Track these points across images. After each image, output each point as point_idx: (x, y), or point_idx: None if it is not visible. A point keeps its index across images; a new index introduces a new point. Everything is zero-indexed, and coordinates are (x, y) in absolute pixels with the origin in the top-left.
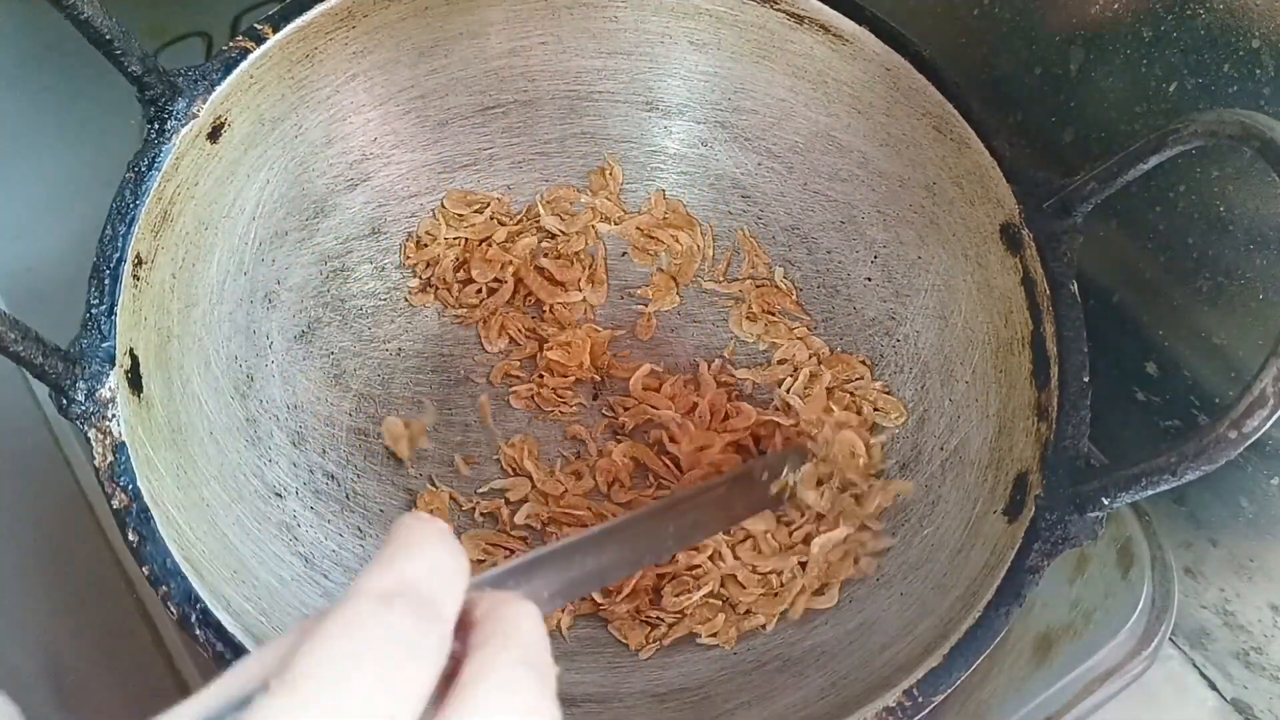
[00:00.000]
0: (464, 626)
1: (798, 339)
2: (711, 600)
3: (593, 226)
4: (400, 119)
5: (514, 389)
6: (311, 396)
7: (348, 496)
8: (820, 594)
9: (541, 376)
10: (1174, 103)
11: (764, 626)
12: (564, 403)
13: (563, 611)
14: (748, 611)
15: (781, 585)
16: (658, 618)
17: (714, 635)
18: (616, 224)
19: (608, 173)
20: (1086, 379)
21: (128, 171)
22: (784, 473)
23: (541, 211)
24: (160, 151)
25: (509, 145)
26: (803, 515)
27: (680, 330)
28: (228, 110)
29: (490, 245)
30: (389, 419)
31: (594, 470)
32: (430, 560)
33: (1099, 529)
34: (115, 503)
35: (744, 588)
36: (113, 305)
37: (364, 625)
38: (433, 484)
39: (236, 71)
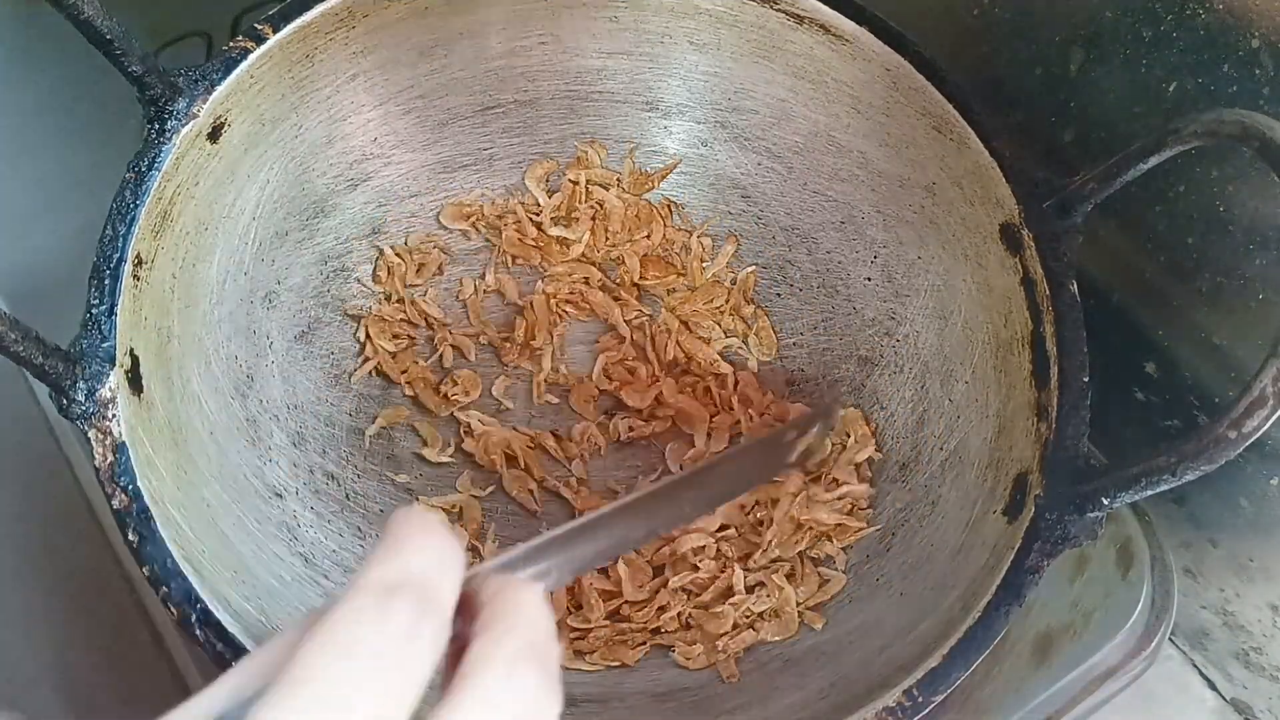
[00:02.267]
0: (468, 611)
1: None
2: (686, 625)
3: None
4: (400, 119)
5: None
6: (311, 396)
7: (348, 496)
8: (824, 586)
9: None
10: (1174, 103)
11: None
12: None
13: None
14: (751, 627)
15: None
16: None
17: (687, 658)
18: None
19: (592, 150)
20: (1086, 379)
21: (128, 171)
22: (810, 434)
23: (533, 188)
24: (160, 151)
25: (509, 145)
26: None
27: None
28: (228, 110)
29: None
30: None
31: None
32: (426, 550)
33: (1099, 529)
34: (115, 503)
35: (718, 618)
36: (113, 305)
37: (362, 622)
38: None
39: (236, 71)
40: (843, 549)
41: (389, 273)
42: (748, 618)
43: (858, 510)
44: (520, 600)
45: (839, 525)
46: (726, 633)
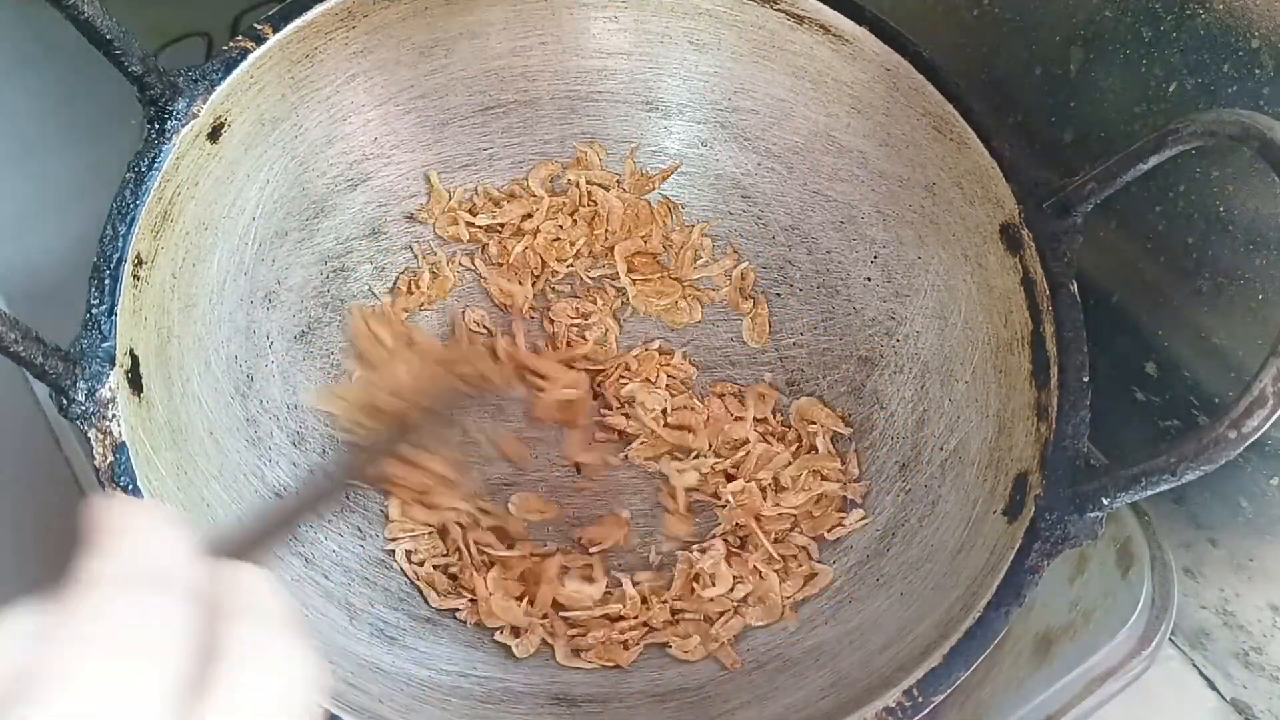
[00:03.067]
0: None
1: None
2: (685, 617)
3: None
4: (400, 119)
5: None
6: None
7: (348, 496)
8: (810, 580)
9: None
10: (1174, 103)
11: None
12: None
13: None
14: (736, 612)
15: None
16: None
17: (685, 652)
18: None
19: (591, 151)
20: (1086, 379)
21: (128, 171)
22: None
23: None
24: (160, 151)
25: (509, 145)
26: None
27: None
28: (228, 110)
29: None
30: None
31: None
32: (156, 531)
33: (1099, 529)
34: None
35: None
36: (113, 305)
37: (105, 615)
38: None
39: (236, 71)
40: (817, 536)
41: (407, 290)
42: (733, 603)
43: (829, 486)
44: (255, 583)
45: (818, 502)
46: (714, 618)
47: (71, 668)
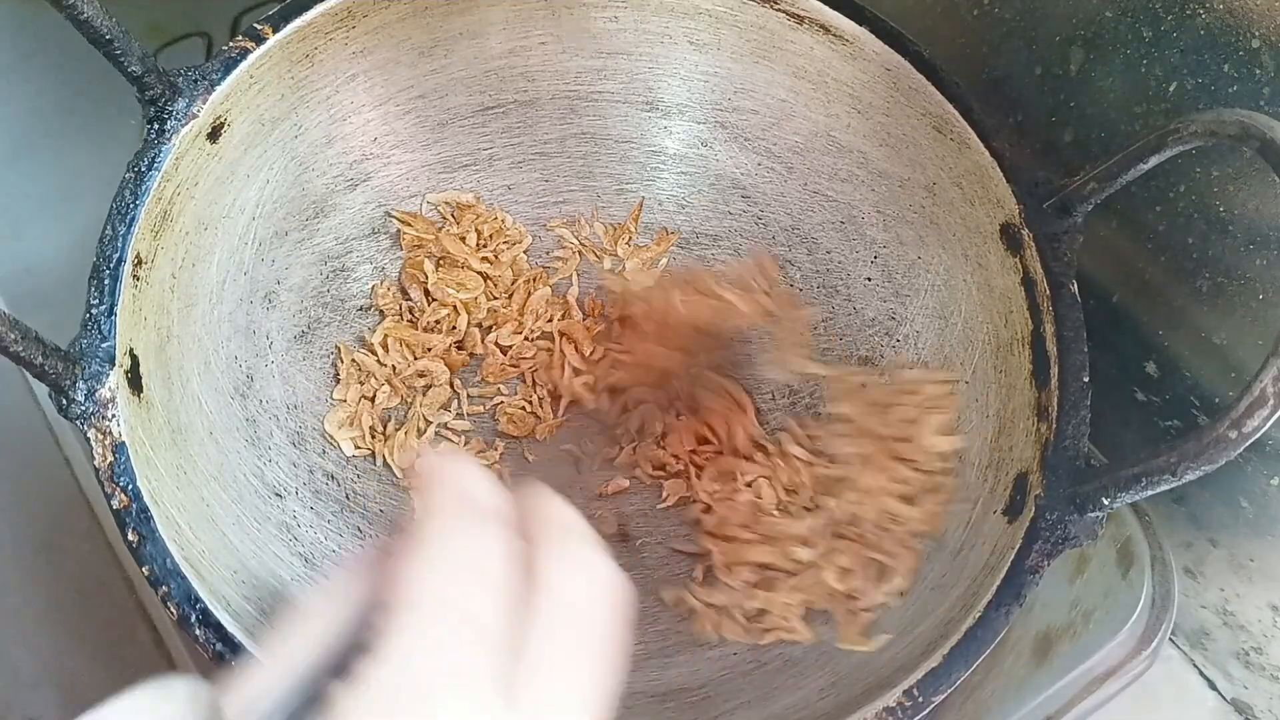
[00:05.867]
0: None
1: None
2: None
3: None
4: (400, 119)
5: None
6: (311, 396)
7: (348, 496)
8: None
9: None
10: (1174, 103)
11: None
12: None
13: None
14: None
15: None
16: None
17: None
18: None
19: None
20: (1086, 379)
21: (128, 171)
22: None
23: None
24: (160, 151)
25: (509, 145)
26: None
27: None
28: (227, 110)
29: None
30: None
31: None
32: (472, 476)
33: (1099, 529)
34: (115, 503)
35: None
36: (113, 305)
37: (454, 538)
38: None
39: (236, 71)
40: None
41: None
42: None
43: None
44: (552, 502)
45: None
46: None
47: (427, 588)
